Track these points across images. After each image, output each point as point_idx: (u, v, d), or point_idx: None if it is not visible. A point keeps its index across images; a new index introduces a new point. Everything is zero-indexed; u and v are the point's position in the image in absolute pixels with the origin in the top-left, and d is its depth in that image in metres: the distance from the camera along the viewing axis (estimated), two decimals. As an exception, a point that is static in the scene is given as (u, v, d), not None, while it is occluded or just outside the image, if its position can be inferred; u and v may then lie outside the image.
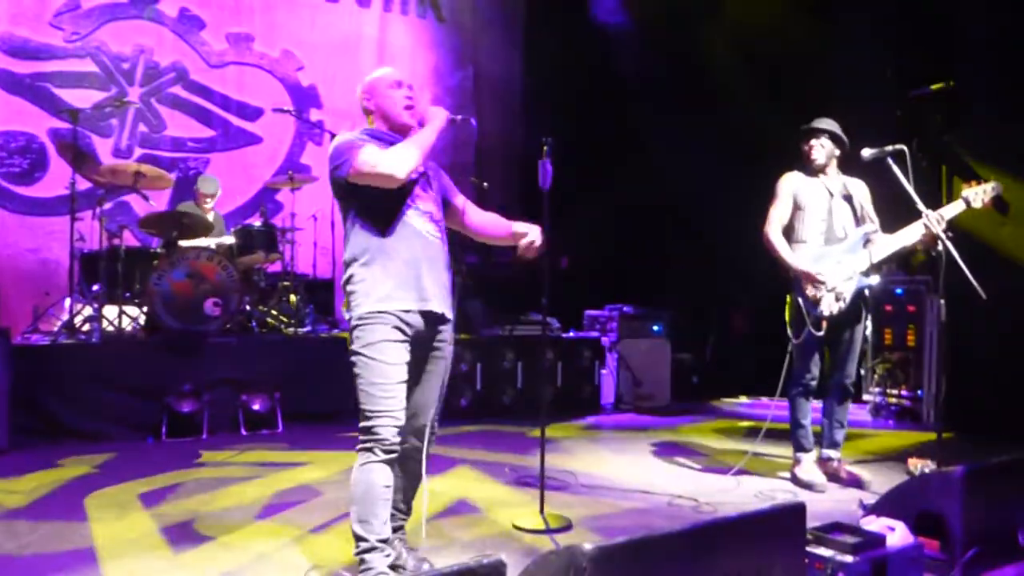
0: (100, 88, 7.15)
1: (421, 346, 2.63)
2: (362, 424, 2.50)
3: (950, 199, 3.96)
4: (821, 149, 4.17)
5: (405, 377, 2.53)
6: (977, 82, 6.11)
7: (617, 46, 8.37)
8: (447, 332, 2.72)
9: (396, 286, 2.53)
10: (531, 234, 2.86)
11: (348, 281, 2.60)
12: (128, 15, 7.30)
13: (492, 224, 2.96)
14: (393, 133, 2.69)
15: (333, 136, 7.07)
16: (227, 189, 7.03)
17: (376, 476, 2.47)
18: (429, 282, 2.60)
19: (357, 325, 2.53)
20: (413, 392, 2.63)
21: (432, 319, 2.63)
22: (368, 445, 2.48)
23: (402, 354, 2.53)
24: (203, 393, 5.19)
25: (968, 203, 3.89)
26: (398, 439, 2.50)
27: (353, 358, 2.53)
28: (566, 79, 8.44)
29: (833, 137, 4.17)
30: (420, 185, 2.68)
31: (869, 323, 4.20)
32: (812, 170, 4.21)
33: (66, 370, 4.97)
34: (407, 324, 2.54)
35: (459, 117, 2.78)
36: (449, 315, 2.69)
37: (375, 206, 2.57)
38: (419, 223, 2.63)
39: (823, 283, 3.96)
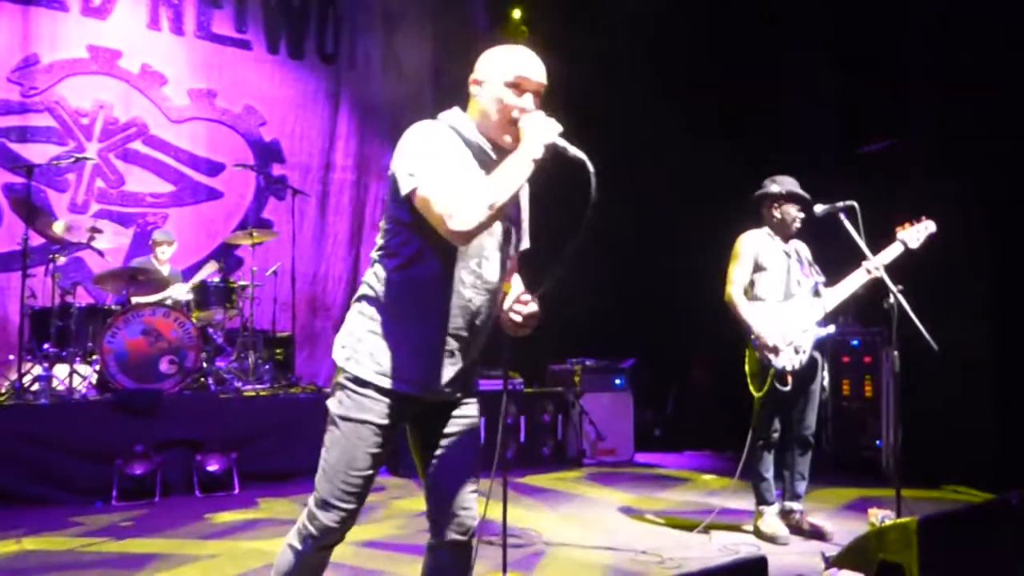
0: (57, 143, 7.08)
1: (436, 413, 2.12)
2: (311, 505, 2.07)
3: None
4: (801, 217, 4.21)
5: (379, 466, 2.07)
6: (923, 137, 6.36)
7: (574, 101, 8.56)
8: (471, 396, 2.19)
9: (412, 367, 2.02)
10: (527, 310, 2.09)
11: (354, 319, 2.07)
12: (88, 71, 7.28)
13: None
14: (483, 143, 2.08)
15: (296, 192, 7.19)
16: (186, 244, 6.96)
17: (306, 567, 2.09)
18: (455, 368, 2.07)
19: (345, 387, 2.03)
20: (434, 469, 2.13)
21: (447, 397, 2.12)
22: (308, 531, 2.05)
23: (387, 440, 2.05)
24: (156, 454, 5.03)
25: (905, 245, 4.00)
26: (340, 533, 2.07)
27: (328, 422, 2.07)
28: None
29: (806, 204, 4.23)
30: (499, 235, 2.08)
31: (827, 374, 4.26)
32: (784, 233, 4.24)
33: (12, 432, 4.79)
34: (408, 408, 2.06)
35: (571, 150, 1.95)
36: (473, 388, 2.20)
37: (439, 242, 1.96)
38: (472, 291, 2.05)
39: (780, 350, 4.00)
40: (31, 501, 4.72)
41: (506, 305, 2.14)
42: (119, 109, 7.40)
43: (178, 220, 7.54)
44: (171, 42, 7.65)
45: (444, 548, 2.15)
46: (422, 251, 2.01)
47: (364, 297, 2.08)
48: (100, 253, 5.99)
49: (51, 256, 5.69)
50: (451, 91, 9.07)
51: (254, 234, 6.69)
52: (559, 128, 1.95)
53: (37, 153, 6.82)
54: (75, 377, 5.41)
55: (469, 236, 1.91)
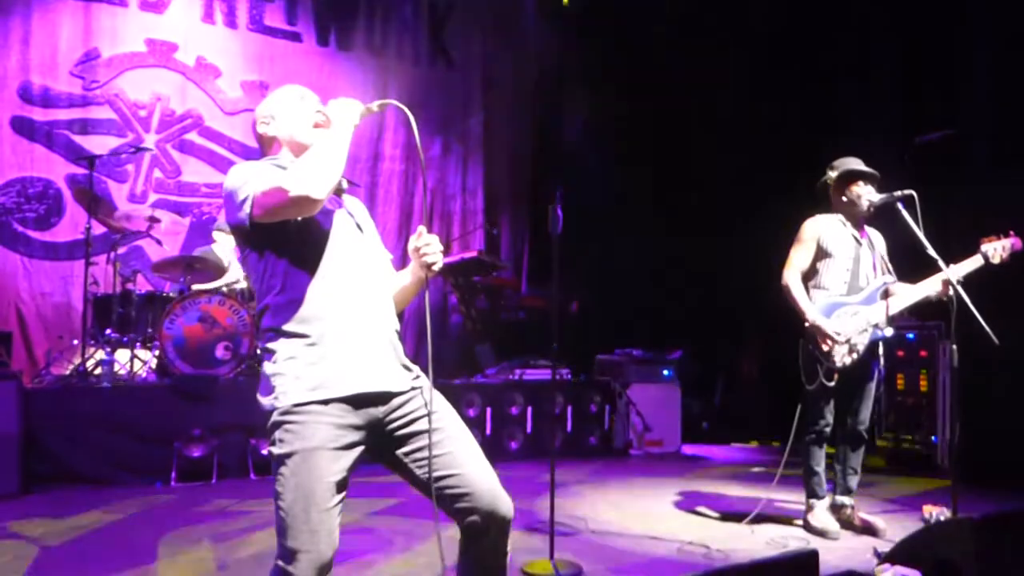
0: (117, 134, 7.29)
1: (403, 424, 2.06)
2: (279, 563, 1.92)
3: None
4: (871, 191, 4.01)
5: (340, 499, 1.95)
6: (979, 130, 6.17)
7: (624, 90, 8.51)
8: (423, 391, 2.10)
9: (339, 367, 1.98)
10: (423, 240, 2.14)
11: (269, 358, 2.02)
12: (146, 64, 7.46)
13: (397, 281, 2.28)
14: None
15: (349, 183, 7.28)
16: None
17: None
18: (380, 353, 2.06)
19: (282, 423, 1.94)
20: (438, 475, 2.03)
21: (390, 397, 2.05)
22: None
23: (345, 461, 1.96)
24: (212, 437, 5.18)
25: (987, 258, 3.84)
26: None
27: (275, 466, 1.95)
28: (574, 124, 8.58)
29: (870, 179, 4.06)
30: (346, 222, 2.16)
31: (883, 370, 4.15)
32: (855, 216, 4.08)
33: (76, 414, 4.97)
34: (357, 418, 1.98)
35: (376, 104, 2.17)
36: (414, 382, 2.12)
37: (294, 253, 2.03)
38: (350, 276, 2.08)
39: (837, 341, 3.91)
40: (95, 481, 4.89)
41: (415, 257, 2.17)
42: (175, 101, 7.58)
43: (232, 210, 7.70)
44: (225, 35, 7.80)
45: (483, 542, 2.09)
46: (287, 268, 2.03)
47: (267, 342, 2.04)
48: (158, 242, 6.16)
49: (112, 245, 5.86)
50: (499, 81, 9.15)
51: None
52: (360, 104, 2.13)
53: (98, 145, 7.02)
54: (136, 362, 5.58)
55: (313, 196, 1.91)
